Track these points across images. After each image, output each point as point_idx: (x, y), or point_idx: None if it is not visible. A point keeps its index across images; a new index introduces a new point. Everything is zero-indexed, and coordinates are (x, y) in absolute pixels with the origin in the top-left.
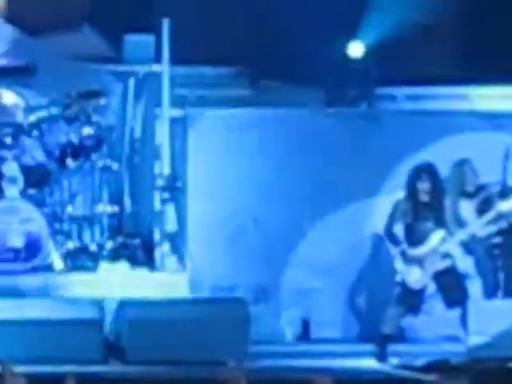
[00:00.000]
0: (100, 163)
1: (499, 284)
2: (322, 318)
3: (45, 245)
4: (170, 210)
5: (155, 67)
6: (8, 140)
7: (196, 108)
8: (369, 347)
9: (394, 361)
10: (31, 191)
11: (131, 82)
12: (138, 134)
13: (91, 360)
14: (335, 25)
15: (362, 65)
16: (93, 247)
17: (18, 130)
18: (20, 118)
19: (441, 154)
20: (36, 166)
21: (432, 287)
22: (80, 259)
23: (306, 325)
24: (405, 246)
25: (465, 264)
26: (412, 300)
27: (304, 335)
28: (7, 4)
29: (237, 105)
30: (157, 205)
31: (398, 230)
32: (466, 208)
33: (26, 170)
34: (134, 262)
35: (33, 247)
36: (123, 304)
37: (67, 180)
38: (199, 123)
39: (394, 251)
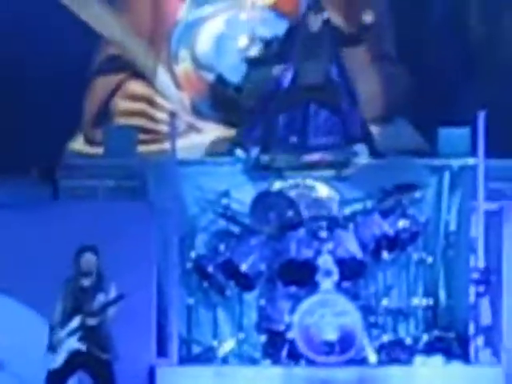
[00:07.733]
0: (415, 256)
1: None
2: None
3: (359, 338)
4: (485, 304)
5: (470, 160)
6: (323, 233)
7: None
8: None
9: None
10: (346, 284)
11: (446, 175)
12: (452, 227)
13: None
14: None
15: None
16: (408, 340)
17: (333, 223)
18: (335, 211)
19: None
20: (350, 258)
21: None
22: (395, 352)
23: None
24: None
25: None
26: None
27: None
28: None
29: None
30: (472, 298)
31: None
32: None
33: (340, 262)
34: (449, 355)
35: (347, 340)
36: None
37: (382, 273)
38: None
39: None
